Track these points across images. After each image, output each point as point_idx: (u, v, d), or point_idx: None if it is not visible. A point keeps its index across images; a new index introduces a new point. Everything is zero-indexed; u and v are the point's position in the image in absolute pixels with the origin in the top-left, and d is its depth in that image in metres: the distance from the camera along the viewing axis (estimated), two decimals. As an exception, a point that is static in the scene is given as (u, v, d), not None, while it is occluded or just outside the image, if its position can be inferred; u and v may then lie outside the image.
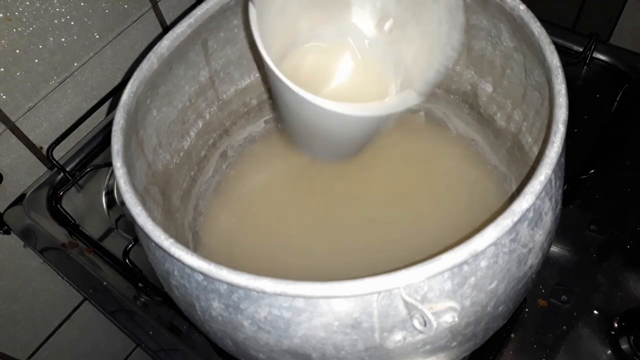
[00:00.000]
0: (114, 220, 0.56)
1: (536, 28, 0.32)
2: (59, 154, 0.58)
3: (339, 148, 0.46)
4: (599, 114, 0.54)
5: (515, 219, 0.26)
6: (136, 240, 0.50)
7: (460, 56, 0.43)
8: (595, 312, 0.43)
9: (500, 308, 0.31)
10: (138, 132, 0.37)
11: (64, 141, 0.58)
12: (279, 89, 0.37)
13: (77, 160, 0.60)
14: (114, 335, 0.74)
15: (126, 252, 0.49)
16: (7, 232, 0.58)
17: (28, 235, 0.56)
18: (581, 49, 0.57)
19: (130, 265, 0.50)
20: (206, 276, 0.27)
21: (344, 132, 0.40)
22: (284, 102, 0.39)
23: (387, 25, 0.42)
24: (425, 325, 0.26)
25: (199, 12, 0.38)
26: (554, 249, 0.47)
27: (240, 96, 0.48)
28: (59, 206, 0.56)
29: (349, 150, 0.46)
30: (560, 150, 0.28)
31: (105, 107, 0.62)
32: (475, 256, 0.26)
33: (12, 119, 0.54)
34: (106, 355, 0.79)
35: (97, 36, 0.58)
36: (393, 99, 0.39)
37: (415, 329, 0.27)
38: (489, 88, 0.43)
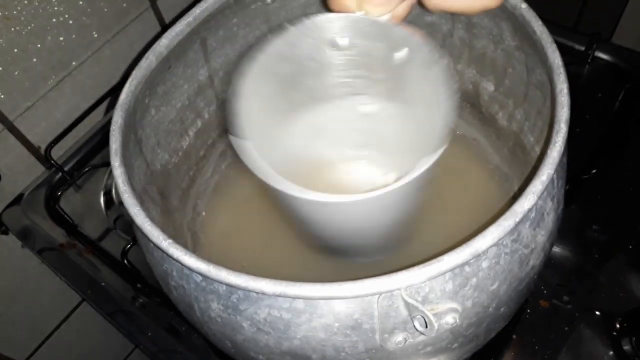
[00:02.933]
0: (113, 220, 0.56)
1: (538, 27, 0.32)
2: (57, 153, 0.58)
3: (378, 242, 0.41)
4: (601, 113, 0.54)
5: (517, 219, 0.25)
6: (135, 240, 0.49)
7: (461, 55, 0.43)
8: (597, 313, 0.43)
9: (502, 309, 0.30)
10: (136, 132, 0.37)
11: (62, 141, 0.57)
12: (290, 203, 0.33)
13: (75, 160, 0.60)
14: (112, 336, 0.73)
15: (124, 253, 0.49)
16: (5, 233, 0.57)
17: (26, 236, 0.56)
18: (583, 48, 0.57)
19: (129, 266, 0.49)
20: (205, 277, 0.27)
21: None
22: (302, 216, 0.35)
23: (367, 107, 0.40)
24: (426, 326, 0.26)
25: (198, 11, 0.38)
26: (556, 249, 0.46)
27: (240, 95, 0.48)
28: (57, 206, 0.56)
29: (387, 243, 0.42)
30: (562, 149, 0.27)
31: (103, 106, 0.61)
32: (477, 257, 0.26)
33: (10, 118, 0.53)
34: (105, 356, 0.79)
35: (96, 35, 0.57)
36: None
37: (416, 330, 0.27)
38: (490, 87, 0.43)
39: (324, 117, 0.41)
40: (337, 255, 0.44)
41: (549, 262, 0.45)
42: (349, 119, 0.41)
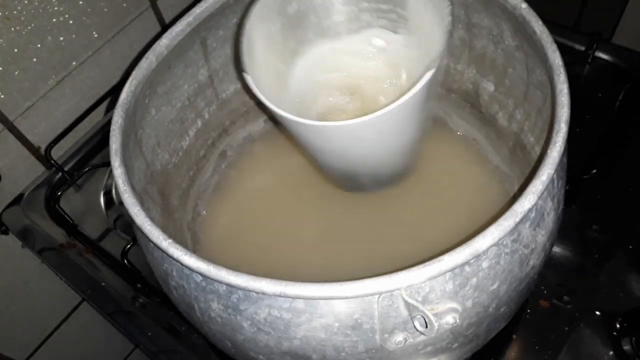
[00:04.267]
0: (113, 220, 0.56)
1: (538, 27, 0.32)
2: (57, 153, 0.58)
3: (380, 170, 0.43)
4: (601, 113, 0.54)
5: (517, 219, 0.25)
6: (135, 240, 0.49)
7: (461, 55, 0.43)
8: (597, 312, 0.43)
9: (502, 309, 0.30)
10: (137, 132, 0.37)
11: (62, 141, 0.57)
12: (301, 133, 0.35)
13: (75, 160, 0.60)
14: (112, 336, 0.73)
15: (125, 253, 0.49)
16: (5, 233, 0.57)
17: (26, 236, 0.56)
18: (583, 48, 0.57)
19: (129, 266, 0.49)
20: (205, 277, 0.27)
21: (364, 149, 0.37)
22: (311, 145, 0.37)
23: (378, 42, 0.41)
24: (426, 326, 0.26)
25: (198, 11, 0.38)
26: (556, 249, 0.46)
27: (240, 95, 0.48)
28: (57, 206, 0.56)
29: (391, 171, 0.44)
30: (562, 149, 0.27)
31: (103, 106, 0.61)
32: (477, 257, 0.26)
33: (10, 118, 0.53)
34: (105, 356, 0.79)
35: (96, 35, 0.57)
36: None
37: (417, 330, 0.27)
38: (490, 87, 0.43)
39: (332, 53, 0.42)
40: (349, 188, 0.46)
41: (549, 262, 0.45)
42: (357, 55, 0.42)
